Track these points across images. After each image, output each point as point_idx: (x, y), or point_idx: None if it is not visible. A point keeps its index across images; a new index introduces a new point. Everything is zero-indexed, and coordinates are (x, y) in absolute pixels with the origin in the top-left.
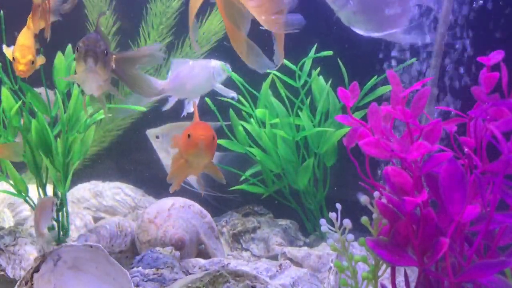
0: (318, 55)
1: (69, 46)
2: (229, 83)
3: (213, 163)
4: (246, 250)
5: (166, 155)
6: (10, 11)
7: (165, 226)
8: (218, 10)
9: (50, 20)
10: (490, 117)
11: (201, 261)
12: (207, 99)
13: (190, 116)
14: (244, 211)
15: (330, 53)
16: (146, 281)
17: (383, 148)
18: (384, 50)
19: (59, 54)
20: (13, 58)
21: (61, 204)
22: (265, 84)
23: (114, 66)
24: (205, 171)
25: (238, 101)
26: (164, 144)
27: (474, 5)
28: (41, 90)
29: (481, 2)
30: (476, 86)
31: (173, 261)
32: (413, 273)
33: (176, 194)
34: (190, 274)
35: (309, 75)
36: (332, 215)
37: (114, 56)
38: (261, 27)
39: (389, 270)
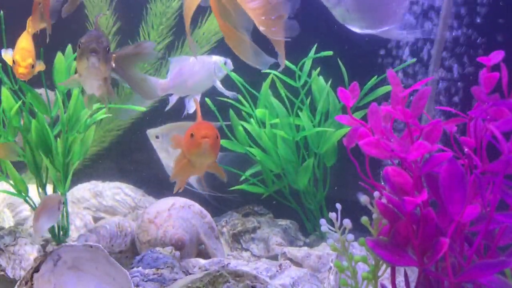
0: (318, 55)
1: (69, 46)
2: (229, 83)
3: (216, 162)
4: (246, 250)
5: (166, 155)
6: (10, 11)
7: (165, 226)
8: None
9: (50, 18)
10: (490, 117)
11: (201, 261)
12: (207, 99)
13: (190, 116)
14: (244, 211)
15: (330, 53)
16: (146, 281)
17: (383, 148)
18: (384, 50)
19: (59, 54)
20: (13, 61)
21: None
22: (265, 84)
23: (114, 65)
24: (209, 171)
25: (238, 101)
26: (164, 144)
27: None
28: (41, 91)
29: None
30: (476, 86)
31: (173, 261)
32: (413, 273)
33: (176, 194)
34: (190, 274)
35: (309, 75)
36: (332, 215)
37: (113, 55)
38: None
39: (389, 270)
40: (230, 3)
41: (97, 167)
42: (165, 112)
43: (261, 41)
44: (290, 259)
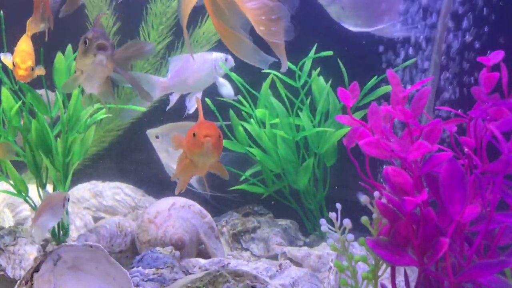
0: (318, 55)
1: (69, 46)
2: (229, 83)
3: (219, 162)
4: (246, 250)
5: (166, 155)
6: (10, 11)
7: (165, 226)
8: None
9: (50, 17)
10: (490, 117)
11: (201, 261)
12: (207, 99)
13: (191, 116)
14: (244, 211)
15: (330, 53)
16: (146, 281)
17: (383, 148)
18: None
19: (59, 54)
20: (13, 64)
21: None
22: (265, 84)
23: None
24: (211, 171)
25: (238, 101)
26: (164, 144)
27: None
28: (41, 92)
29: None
30: (476, 86)
31: (173, 261)
32: (413, 273)
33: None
34: (190, 274)
35: (309, 75)
36: (332, 215)
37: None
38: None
39: (389, 270)
40: (225, 2)
41: (97, 167)
42: (165, 112)
43: (261, 41)
44: (290, 259)
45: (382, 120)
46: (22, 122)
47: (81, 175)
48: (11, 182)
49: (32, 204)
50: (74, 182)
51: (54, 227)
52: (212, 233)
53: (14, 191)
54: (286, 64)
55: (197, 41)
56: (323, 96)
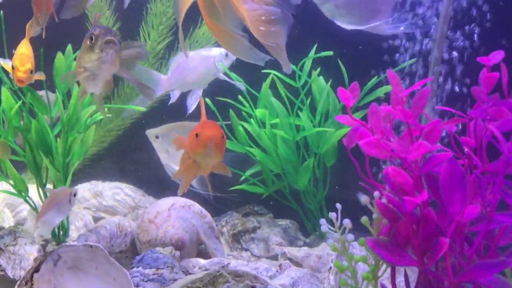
0: (318, 55)
1: (69, 46)
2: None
3: (222, 162)
4: (246, 250)
5: (166, 155)
6: (10, 11)
7: (165, 226)
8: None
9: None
10: (490, 117)
11: (201, 261)
12: (207, 99)
13: (191, 116)
14: (244, 211)
15: (330, 53)
16: (146, 281)
17: (383, 148)
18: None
19: (59, 54)
20: (13, 67)
21: None
22: (265, 84)
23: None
24: (214, 171)
25: (238, 101)
26: (164, 144)
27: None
28: (42, 93)
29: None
30: (476, 86)
31: (173, 261)
32: (413, 273)
33: (176, 193)
34: (190, 274)
35: (309, 75)
36: (332, 215)
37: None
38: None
39: (389, 270)
40: (219, 2)
41: (97, 167)
42: (165, 112)
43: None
44: (290, 259)
45: (382, 120)
46: (22, 122)
47: (81, 175)
48: (11, 182)
49: (32, 204)
50: (74, 182)
51: (54, 227)
52: (212, 233)
53: (14, 191)
54: (289, 65)
55: (197, 41)
56: (323, 96)
